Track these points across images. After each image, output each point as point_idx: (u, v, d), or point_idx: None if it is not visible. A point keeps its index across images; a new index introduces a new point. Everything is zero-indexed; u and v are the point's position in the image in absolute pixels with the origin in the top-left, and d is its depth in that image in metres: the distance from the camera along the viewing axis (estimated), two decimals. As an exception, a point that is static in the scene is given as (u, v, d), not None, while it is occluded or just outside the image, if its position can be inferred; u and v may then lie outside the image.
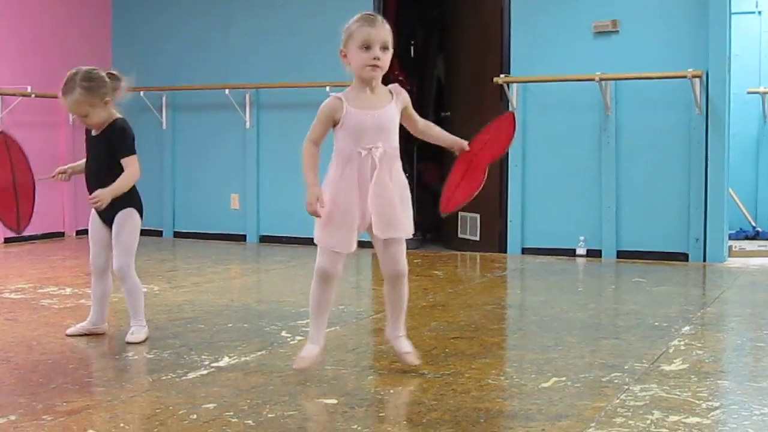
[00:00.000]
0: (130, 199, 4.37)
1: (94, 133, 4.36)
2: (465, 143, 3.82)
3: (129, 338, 4.31)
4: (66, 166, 4.53)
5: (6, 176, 4.31)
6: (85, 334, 4.42)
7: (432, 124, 3.89)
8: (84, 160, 4.48)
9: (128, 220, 4.35)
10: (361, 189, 3.54)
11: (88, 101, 4.24)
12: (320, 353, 3.68)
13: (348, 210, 3.54)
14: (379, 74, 3.57)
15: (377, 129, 3.55)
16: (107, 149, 4.32)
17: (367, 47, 3.51)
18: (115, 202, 4.29)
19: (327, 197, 3.55)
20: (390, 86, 3.68)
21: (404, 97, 3.68)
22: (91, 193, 4.30)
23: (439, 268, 7.12)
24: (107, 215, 4.34)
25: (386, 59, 3.55)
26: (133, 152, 4.33)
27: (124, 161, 4.30)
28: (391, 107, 3.61)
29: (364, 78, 3.57)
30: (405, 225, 3.63)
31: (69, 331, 4.45)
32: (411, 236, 3.70)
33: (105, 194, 4.22)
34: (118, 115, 4.40)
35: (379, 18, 3.60)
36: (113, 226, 4.34)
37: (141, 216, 4.42)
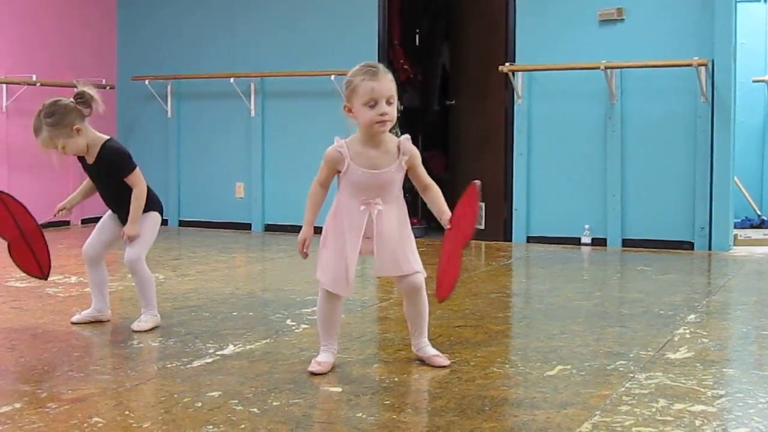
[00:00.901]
0: (150, 204, 4.40)
1: (89, 161, 4.35)
2: (447, 219, 3.62)
3: (134, 326, 4.32)
4: (65, 202, 4.49)
5: (12, 230, 4.41)
6: (90, 322, 4.43)
7: (432, 189, 3.68)
8: (82, 187, 4.51)
9: (147, 219, 4.38)
10: (356, 239, 3.51)
11: (58, 135, 4.22)
12: (334, 360, 3.66)
13: (343, 250, 3.52)
14: (388, 127, 3.49)
15: (378, 187, 3.51)
16: (109, 173, 4.34)
17: (372, 104, 3.43)
18: (126, 211, 4.33)
19: (331, 240, 3.56)
20: (400, 140, 3.57)
21: (412, 156, 3.57)
22: (109, 208, 4.44)
23: (444, 256, 7.12)
24: (126, 215, 4.35)
25: (393, 112, 3.46)
26: (133, 168, 4.35)
27: (129, 180, 4.32)
28: (395, 166, 3.53)
29: (372, 133, 3.49)
30: (411, 265, 3.59)
31: (74, 318, 4.47)
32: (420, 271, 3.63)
33: (133, 230, 4.29)
34: (105, 137, 4.38)
35: (381, 68, 3.49)
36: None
37: (162, 214, 4.48)
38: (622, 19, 7.70)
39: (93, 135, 4.32)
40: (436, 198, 3.65)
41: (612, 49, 7.65)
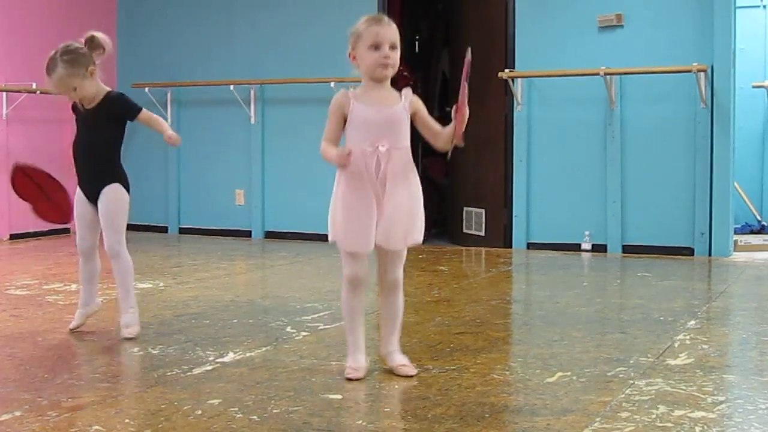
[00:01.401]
0: (116, 174, 4.37)
1: (87, 106, 4.33)
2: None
3: (125, 333, 4.29)
4: None
5: (38, 195, 4.47)
6: (85, 322, 4.44)
7: (442, 129, 3.67)
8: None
9: (115, 196, 4.33)
10: (370, 187, 3.49)
11: (74, 74, 4.23)
12: (367, 360, 3.65)
13: (360, 209, 3.49)
14: (391, 73, 3.53)
15: (384, 125, 3.51)
16: (105, 121, 4.32)
17: (376, 47, 3.48)
18: (99, 178, 4.31)
19: (339, 198, 3.53)
20: (402, 91, 3.63)
21: (414, 100, 3.61)
22: (81, 176, 4.35)
23: (444, 263, 7.12)
24: (92, 190, 4.32)
25: (396, 58, 3.52)
26: (140, 108, 4.40)
27: (142, 117, 4.37)
28: (400, 107, 3.56)
29: (375, 77, 3.54)
30: (409, 237, 3.57)
31: (71, 325, 4.45)
32: (417, 243, 3.62)
33: (173, 135, 4.41)
34: (108, 88, 4.39)
35: (386, 18, 3.57)
36: (99, 204, 4.31)
37: (128, 192, 4.40)
38: (622, 25, 7.71)
39: (99, 83, 4.34)
40: (447, 129, 3.62)
41: (611, 55, 7.66)
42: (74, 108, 4.41)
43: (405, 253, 3.64)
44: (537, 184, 8.01)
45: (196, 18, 9.37)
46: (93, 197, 4.34)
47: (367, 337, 4.52)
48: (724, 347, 4.26)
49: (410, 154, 3.60)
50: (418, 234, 3.60)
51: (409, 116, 3.59)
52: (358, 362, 3.60)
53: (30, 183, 4.46)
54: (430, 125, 3.64)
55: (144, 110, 4.41)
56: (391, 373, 3.66)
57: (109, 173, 4.33)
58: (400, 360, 3.67)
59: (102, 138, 4.35)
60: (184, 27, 9.42)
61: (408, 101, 3.58)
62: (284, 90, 8.85)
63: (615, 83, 7.63)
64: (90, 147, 4.35)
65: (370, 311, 5.13)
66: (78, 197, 4.40)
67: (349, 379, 3.53)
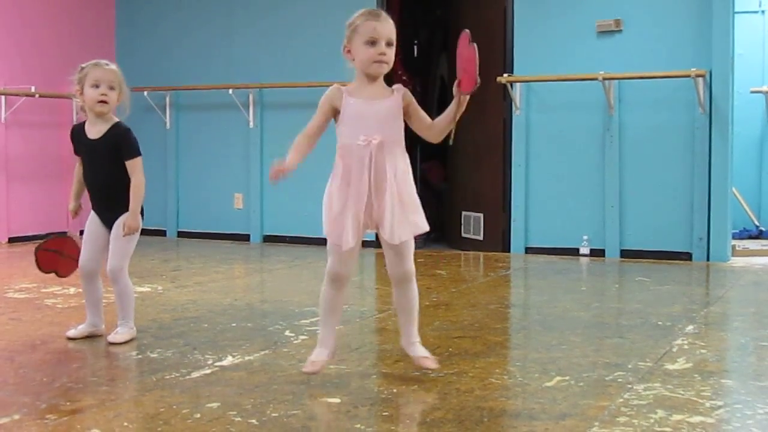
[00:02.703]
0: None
1: (93, 136, 4.31)
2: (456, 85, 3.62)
3: (110, 338, 4.28)
4: (73, 202, 4.46)
5: (58, 260, 4.55)
6: (87, 337, 4.40)
7: (435, 121, 3.66)
8: (77, 176, 4.44)
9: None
10: (363, 182, 3.48)
11: (123, 83, 4.35)
12: (330, 357, 3.66)
13: (346, 205, 3.49)
14: (385, 69, 3.53)
15: (376, 119, 3.51)
16: (111, 153, 4.29)
17: (372, 42, 3.48)
18: (118, 205, 4.29)
19: (331, 191, 3.53)
20: (394, 86, 3.63)
21: (406, 93, 3.60)
22: (96, 204, 4.34)
23: (442, 267, 7.13)
24: (111, 217, 4.32)
25: (391, 54, 3.52)
26: (139, 154, 4.33)
27: (131, 164, 4.28)
28: (392, 100, 3.55)
29: (369, 74, 3.54)
30: (413, 226, 3.56)
31: (70, 333, 4.40)
32: (424, 232, 3.62)
33: (135, 222, 4.27)
34: (116, 119, 4.38)
35: (384, 13, 3.57)
36: (115, 228, 4.30)
37: (143, 217, 4.39)
38: (620, 31, 7.72)
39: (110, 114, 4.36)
40: (445, 112, 3.60)
41: (610, 60, 7.67)
42: (77, 137, 4.37)
43: (412, 244, 3.62)
44: (535, 189, 8.02)
45: (195, 22, 9.38)
46: (108, 222, 4.33)
47: (365, 339, 4.53)
48: (723, 352, 4.26)
49: (404, 146, 3.59)
50: (422, 221, 3.59)
51: (402, 110, 3.57)
52: (319, 356, 3.61)
53: (50, 255, 4.50)
54: (423, 117, 3.62)
55: (139, 159, 4.32)
56: (389, 374, 3.67)
57: (123, 201, 4.30)
58: (421, 352, 3.67)
59: (110, 173, 4.30)
60: (183, 31, 9.43)
61: (400, 95, 3.57)
62: (283, 94, 8.86)
63: (613, 88, 7.64)
64: (100, 182, 4.33)
65: (369, 315, 5.13)
66: (92, 220, 4.38)
67: (305, 372, 3.54)
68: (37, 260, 4.46)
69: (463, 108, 3.54)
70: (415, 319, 3.71)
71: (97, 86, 4.26)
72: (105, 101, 4.27)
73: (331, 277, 3.61)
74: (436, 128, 3.62)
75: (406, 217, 3.53)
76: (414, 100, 3.64)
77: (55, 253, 4.49)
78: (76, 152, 4.42)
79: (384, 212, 3.49)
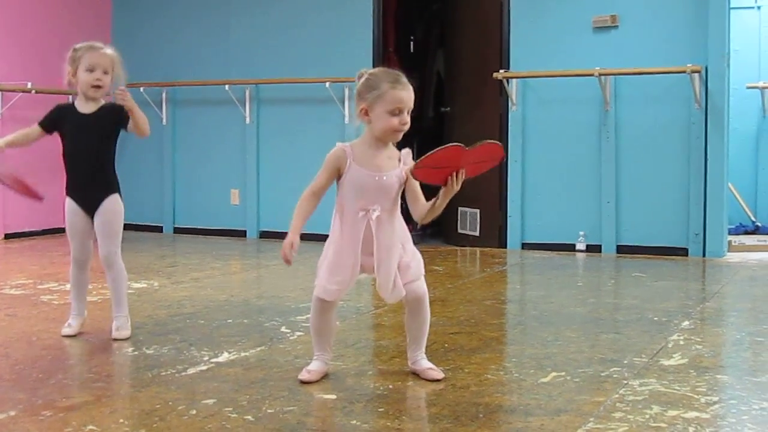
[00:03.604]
0: (115, 184, 4.34)
1: (86, 111, 4.29)
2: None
3: (116, 334, 4.28)
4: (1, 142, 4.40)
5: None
6: (81, 333, 4.40)
7: (423, 202, 3.57)
8: (21, 132, 4.39)
9: (115, 207, 4.31)
10: (360, 246, 3.47)
11: (121, 67, 4.38)
12: (327, 370, 3.63)
13: (347, 264, 3.48)
14: (400, 137, 3.49)
15: (378, 191, 3.47)
16: (106, 125, 4.29)
17: (397, 113, 3.42)
18: (102, 188, 4.27)
19: (331, 250, 3.53)
20: (402, 152, 3.56)
21: (410, 163, 3.51)
22: (79, 185, 4.28)
23: (438, 263, 7.13)
24: (92, 203, 4.27)
25: (409, 121, 3.47)
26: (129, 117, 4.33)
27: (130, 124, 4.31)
28: (395, 173, 3.50)
29: (385, 140, 3.48)
30: (412, 272, 3.53)
31: (65, 332, 4.37)
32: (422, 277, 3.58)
33: (131, 100, 4.27)
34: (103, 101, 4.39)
35: (404, 77, 3.50)
36: (100, 214, 4.27)
37: (122, 199, 4.37)
38: (616, 26, 7.72)
39: None
40: (426, 205, 3.54)
41: (606, 56, 7.67)
42: (66, 113, 4.34)
43: (421, 266, 3.58)
44: (532, 185, 8.02)
45: (192, 18, 9.36)
46: (91, 208, 4.28)
47: (361, 335, 4.53)
48: (718, 348, 4.27)
49: (401, 218, 3.58)
50: (415, 273, 3.55)
51: (403, 182, 3.52)
52: (315, 366, 3.59)
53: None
54: (415, 192, 3.54)
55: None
56: (385, 371, 3.67)
57: (110, 183, 4.30)
58: (426, 365, 3.61)
59: (101, 145, 4.30)
60: (180, 27, 9.42)
61: (407, 167, 3.49)
62: (279, 90, 8.85)
63: (609, 84, 7.65)
64: (94, 154, 4.29)
65: (365, 312, 5.13)
66: (71, 208, 4.32)
67: (301, 381, 3.52)
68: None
69: (447, 200, 3.49)
70: (424, 340, 3.66)
71: (91, 71, 4.25)
72: (99, 86, 4.27)
73: (323, 305, 3.58)
74: (421, 209, 3.54)
75: (406, 267, 3.52)
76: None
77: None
78: (46, 125, 4.34)
79: (383, 276, 3.47)
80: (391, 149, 3.55)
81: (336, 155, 3.50)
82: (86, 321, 4.48)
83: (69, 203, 4.33)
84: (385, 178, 3.48)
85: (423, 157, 3.34)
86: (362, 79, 3.50)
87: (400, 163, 3.53)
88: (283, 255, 3.48)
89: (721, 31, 7.38)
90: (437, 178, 3.42)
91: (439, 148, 3.36)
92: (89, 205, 4.29)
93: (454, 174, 3.41)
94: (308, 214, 3.57)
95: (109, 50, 4.36)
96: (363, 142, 3.52)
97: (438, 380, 3.54)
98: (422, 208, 3.53)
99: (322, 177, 3.52)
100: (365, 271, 3.53)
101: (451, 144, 3.39)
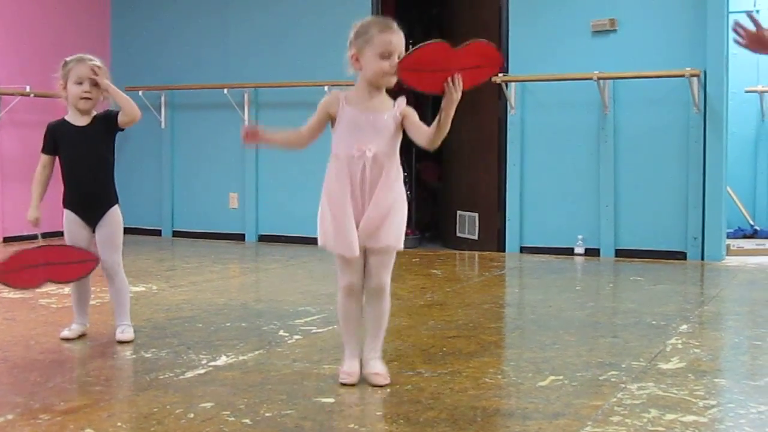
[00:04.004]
0: (115, 195, 4.38)
1: (80, 123, 4.31)
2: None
3: (120, 336, 4.31)
4: (35, 213, 4.37)
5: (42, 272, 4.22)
6: (80, 336, 4.40)
7: (431, 127, 3.55)
8: (39, 180, 4.37)
9: (116, 218, 4.35)
10: (355, 192, 3.46)
11: (108, 78, 4.37)
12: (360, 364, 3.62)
13: (344, 213, 3.46)
14: (394, 81, 3.47)
15: (371, 130, 3.47)
16: (102, 134, 4.32)
17: (387, 55, 3.43)
18: (103, 200, 4.31)
19: (325, 202, 3.52)
20: (398, 99, 3.56)
21: (405, 108, 3.54)
22: (79, 200, 4.30)
23: (437, 266, 7.13)
24: (94, 214, 4.30)
25: None
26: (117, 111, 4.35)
27: (120, 117, 4.33)
28: (389, 114, 3.50)
29: (378, 85, 3.49)
30: (388, 236, 3.49)
31: (64, 335, 4.38)
32: (395, 249, 3.53)
33: (104, 80, 4.30)
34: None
35: (395, 24, 3.52)
36: (103, 226, 4.30)
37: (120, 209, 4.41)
38: (615, 30, 7.73)
39: None
40: (431, 128, 3.48)
41: (605, 59, 7.68)
42: (53, 133, 4.33)
43: (391, 260, 3.57)
44: (530, 188, 8.02)
45: (190, 21, 9.37)
46: (92, 220, 4.31)
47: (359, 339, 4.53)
48: (716, 351, 4.26)
49: (398, 162, 3.56)
50: (393, 239, 3.50)
51: (400, 124, 3.51)
52: (351, 367, 3.59)
53: (26, 272, 4.14)
54: (420, 127, 3.53)
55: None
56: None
57: (111, 195, 4.35)
58: (375, 368, 3.58)
59: (99, 155, 4.33)
60: (178, 30, 9.43)
61: (399, 110, 3.51)
62: (278, 93, 8.86)
63: (608, 88, 7.65)
64: (94, 167, 4.32)
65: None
66: (71, 218, 4.34)
67: (343, 384, 3.53)
68: (7, 284, 4.16)
69: (452, 111, 3.42)
70: (381, 336, 3.64)
71: (80, 83, 4.27)
72: (88, 98, 4.29)
73: (344, 289, 3.58)
74: (427, 133, 3.49)
75: (383, 227, 3.47)
76: (412, 113, 3.55)
77: (33, 268, 4.15)
78: (50, 150, 4.34)
79: (371, 219, 3.46)
80: (385, 95, 3.55)
81: (327, 99, 3.55)
82: (87, 330, 4.47)
83: (68, 214, 4.36)
84: (379, 116, 3.48)
85: (404, 55, 3.31)
86: (353, 28, 3.53)
87: (394, 106, 3.53)
88: (247, 131, 3.67)
89: (719, 35, 7.38)
90: (431, 85, 3.35)
91: (420, 44, 3.31)
92: (91, 217, 4.33)
93: (450, 79, 3.34)
94: (290, 137, 3.67)
95: (97, 62, 4.35)
96: (356, 88, 3.54)
97: (381, 386, 3.49)
98: (428, 132, 3.48)
99: (311, 120, 3.57)
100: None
101: (433, 40, 3.33)
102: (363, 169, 3.46)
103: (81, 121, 4.33)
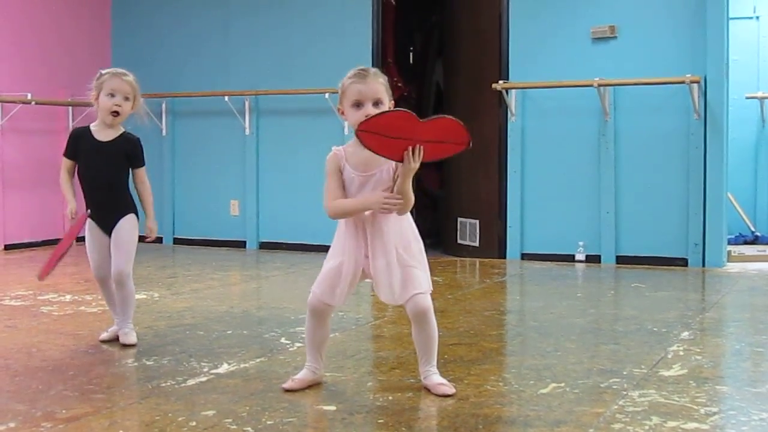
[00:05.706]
0: (131, 205, 4.48)
1: (101, 139, 4.40)
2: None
3: (124, 339, 4.38)
4: (73, 205, 4.41)
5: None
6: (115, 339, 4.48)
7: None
8: (68, 185, 4.44)
9: (132, 226, 4.43)
10: (359, 246, 3.47)
11: (138, 95, 4.47)
12: (314, 379, 3.62)
13: (342, 262, 3.48)
14: None
15: (372, 188, 3.46)
16: (120, 158, 4.41)
17: (358, 105, 3.43)
18: (118, 210, 4.40)
19: (330, 253, 3.55)
20: None
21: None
22: (95, 207, 4.39)
23: (438, 273, 7.13)
24: (109, 223, 4.40)
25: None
26: (145, 164, 4.50)
27: (140, 172, 4.47)
28: (386, 167, 3.46)
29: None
30: (405, 289, 3.44)
31: (103, 337, 4.50)
32: (421, 292, 3.46)
33: (155, 227, 4.53)
34: (123, 128, 4.50)
35: (372, 71, 3.51)
36: (116, 231, 4.39)
37: (138, 219, 4.49)
38: (615, 37, 7.74)
39: None
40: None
41: (605, 66, 7.69)
42: (80, 140, 4.42)
43: (424, 282, 3.49)
44: (531, 195, 8.02)
45: (191, 29, 9.38)
46: (108, 227, 4.41)
47: (360, 346, 4.53)
48: (718, 358, 4.26)
49: (410, 221, 3.54)
50: (417, 285, 3.45)
51: (395, 173, 3.44)
52: (300, 375, 3.61)
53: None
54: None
55: (144, 168, 4.50)
56: (385, 382, 3.67)
57: (126, 204, 4.44)
58: (436, 380, 3.54)
59: (116, 176, 4.42)
60: (180, 38, 9.44)
61: (392, 164, 3.47)
62: (279, 101, 8.87)
63: (609, 94, 7.66)
64: (109, 180, 4.41)
65: (365, 322, 5.13)
66: (91, 229, 4.44)
67: (284, 389, 3.53)
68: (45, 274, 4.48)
69: (408, 180, 3.38)
70: (435, 350, 3.58)
71: (112, 95, 4.36)
72: (118, 112, 4.38)
73: (312, 311, 3.60)
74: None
75: (395, 282, 3.43)
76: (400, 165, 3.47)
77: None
78: (71, 155, 4.45)
79: (380, 274, 3.44)
80: None
81: (332, 161, 3.52)
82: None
83: (89, 222, 4.47)
84: (374, 173, 3.47)
85: (368, 117, 3.29)
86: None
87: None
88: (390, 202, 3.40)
89: (719, 41, 7.39)
90: (391, 151, 3.31)
91: (386, 110, 3.32)
92: (106, 224, 4.42)
93: (410, 149, 3.31)
94: (345, 212, 3.49)
95: (131, 77, 4.46)
96: (352, 142, 3.53)
97: (448, 395, 3.46)
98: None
99: (332, 184, 3.49)
100: (367, 276, 3.52)
101: (399, 109, 3.30)
102: (365, 222, 3.46)
103: (104, 135, 4.42)
